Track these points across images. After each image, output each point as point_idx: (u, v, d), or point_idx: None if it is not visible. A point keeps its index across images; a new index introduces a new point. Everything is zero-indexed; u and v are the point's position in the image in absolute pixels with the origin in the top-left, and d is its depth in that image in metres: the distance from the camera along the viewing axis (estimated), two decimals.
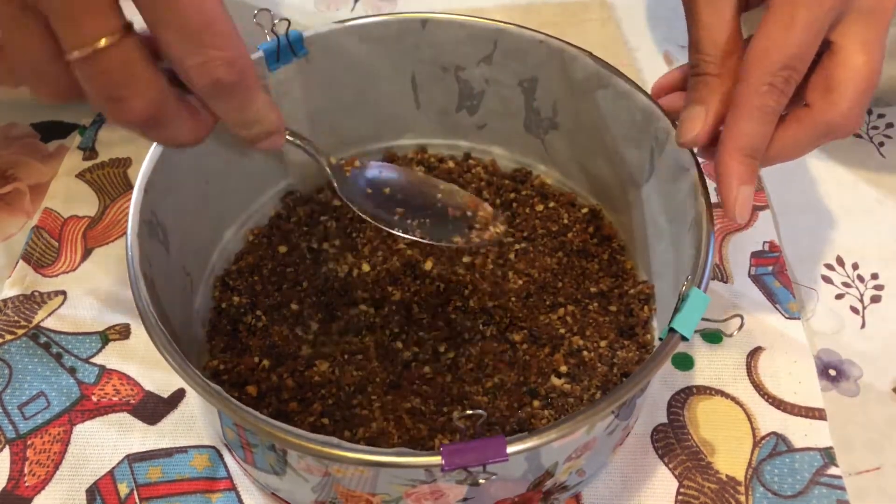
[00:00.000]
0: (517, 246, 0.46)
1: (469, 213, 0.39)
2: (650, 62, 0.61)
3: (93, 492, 0.40)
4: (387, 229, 0.38)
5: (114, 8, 0.25)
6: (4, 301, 0.46)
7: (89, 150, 0.54)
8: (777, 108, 0.33)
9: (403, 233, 0.38)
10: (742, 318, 0.34)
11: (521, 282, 0.44)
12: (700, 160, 0.38)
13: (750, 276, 0.49)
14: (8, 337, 0.45)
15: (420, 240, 0.38)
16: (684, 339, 0.32)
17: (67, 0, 0.24)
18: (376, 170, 0.40)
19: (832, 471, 0.41)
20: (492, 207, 0.40)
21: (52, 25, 0.24)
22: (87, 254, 0.49)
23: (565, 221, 0.47)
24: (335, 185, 0.38)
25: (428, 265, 0.45)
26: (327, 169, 0.38)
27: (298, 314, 0.43)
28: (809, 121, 0.34)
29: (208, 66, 0.26)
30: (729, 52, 0.34)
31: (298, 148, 0.37)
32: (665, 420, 0.43)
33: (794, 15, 0.32)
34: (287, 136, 0.36)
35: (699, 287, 0.33)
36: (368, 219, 0.38)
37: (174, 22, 0.25)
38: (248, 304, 0.43)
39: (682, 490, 0.40)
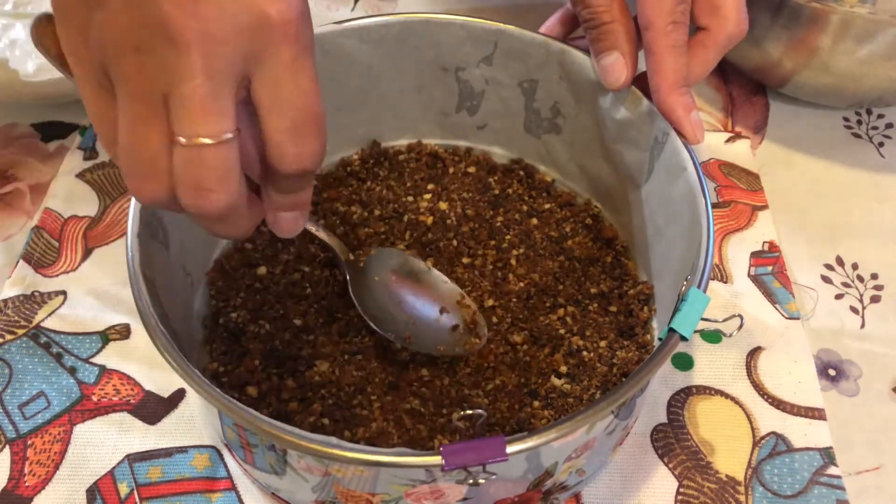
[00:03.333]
0: (516, 251, 0.46)
1: (457, 317, 0.42)
2: None
3: (93, 491, 0.40)
4: (381, 333, 0.41)
5: (234, 110, 0.26)
6: (4, 301, 0.46)
7: (90, 150, 0.54)
8: (685, 38, 0.38)
9: (395, 340, 0.41)
10: (742, 318, 0.34)
11: (521, 284, 0.44)
12: (698, 161, 0.38)
13: (749, 276, 0.49)
14: (8, 337, 0.45)
15: (404, 346, 0.41)
16: (684, 339, 0.32)
17: (200, 97, 0.25)
18: (388, 258, 0.44)
19: (832, 470, 0.41)
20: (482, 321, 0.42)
21: (174, 112, 0.25)
22: (87, 254, 0.49)
23: (567, 229, 0.47)
24: (349, 280, 0.42)
25: (427, 266, 0.45)
26: (344, 265, 0.42)
27: (301, 324, 0.43)
28: (711, 42, 0.39)
29: (303, 156, 0.28)
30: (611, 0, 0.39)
31: (319, 239, 0.42)
32: (665, 420, 0.43)
33: None
34: (311, 227, 0.41)
35: (699, 287, 0.33)
36: (371, 324, 0.41)
37: (290, 113, 0.27)
38: (249, 317, 0.43)
39: (681, 490, 0.40)
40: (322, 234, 0.41)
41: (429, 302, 0.43)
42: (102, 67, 0.26)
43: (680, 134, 0.39)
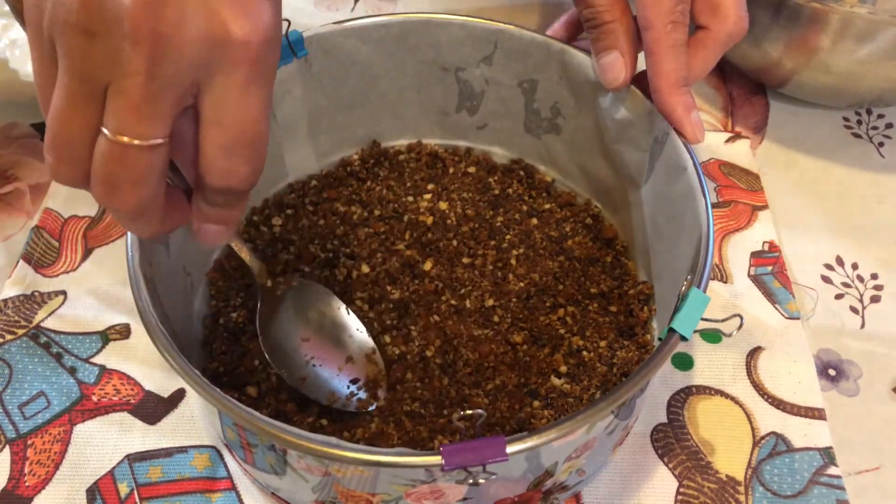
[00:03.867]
0: (516, 251, 0.46)
1: (361, 371, 0.41)
2: None
3: (93, 491, 0.40)
4: (276, 370, 0.39)
5: (173, 117, 0.26)
6: (4, 301, 0.46)
7: None
8: (685, 38, 0.38)
9: (287, 378, 0.39)
10: (741, 318, 0.34)
11: (521, 284, 0.44)
12: (698, 161, 0.38)
13: (749, 276, 0.49)
14: (8, 337, 0.45)
15: (296, 386, 0.39)
16: (684, 339, 0.32)
17: (138, 96, 0.25)
18: (308, 293, 0.42)
19: (832, 470, 0.41)
20: (384, 379, 0.41)
21: (109, 105, 0.25)
22: (87, 254, 0.49)
23: (567, 229, 0.47)
24: (259, 306, 0.41)
25: (427, 266, 0.45)
26: (258, 288, 0.41)
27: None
28: (712, 41, 0.39)
29: (232, 174, 0.27)
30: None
31: (241, 257, 0.40)
32: (665, 420, 0.43)
33: None
34: (234, 244, 0.39)
35: (699, 287, 0.33)
36: (267, 356, 0.39)
37: (228, 131, 0.26)
38: (249, 317, 0.43)
39: (681, 490, 0.40)
40: (244, 254, 0.40)
41: (337, 348, 0.41)
42: (50, 38, 0.25)
43: (680, 134, 0.39)
